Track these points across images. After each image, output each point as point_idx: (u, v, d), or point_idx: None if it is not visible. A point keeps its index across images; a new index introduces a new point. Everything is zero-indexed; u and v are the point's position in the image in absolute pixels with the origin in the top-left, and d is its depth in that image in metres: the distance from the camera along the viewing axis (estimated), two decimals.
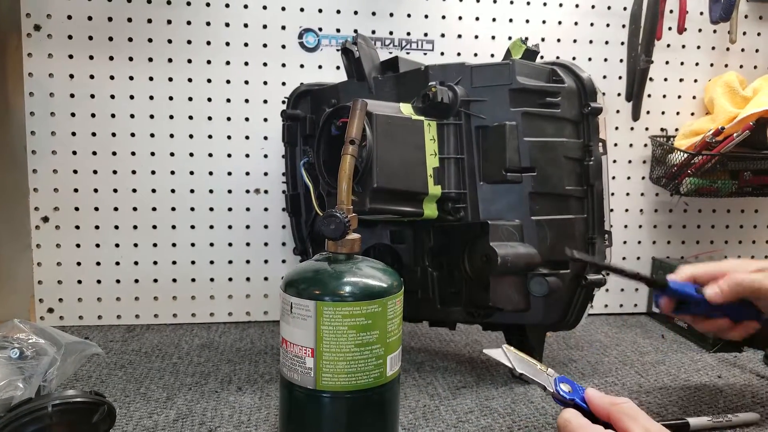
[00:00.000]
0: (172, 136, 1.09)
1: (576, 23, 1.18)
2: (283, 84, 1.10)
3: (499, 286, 0.80)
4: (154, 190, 1.09)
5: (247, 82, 1.10)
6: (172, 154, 1.09)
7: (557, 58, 1.11)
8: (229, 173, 1.11)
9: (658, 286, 0.71)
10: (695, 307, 0.72)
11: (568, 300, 0.85)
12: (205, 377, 0.88)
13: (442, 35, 1.15)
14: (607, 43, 1.19)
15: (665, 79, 1.22)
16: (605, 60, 1.20)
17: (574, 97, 0.85)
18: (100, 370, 0.90)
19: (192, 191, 1.10)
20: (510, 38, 1.16)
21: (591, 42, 1.19)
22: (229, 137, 1.10)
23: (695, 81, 1.23)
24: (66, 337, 0.78)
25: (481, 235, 0.81)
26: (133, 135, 1.08)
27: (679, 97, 1.23)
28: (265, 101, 1.11)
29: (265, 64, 1.10)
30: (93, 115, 1.06)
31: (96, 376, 0.87)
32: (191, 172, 1.10)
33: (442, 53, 1.15)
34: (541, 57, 0.94)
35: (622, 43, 1.17)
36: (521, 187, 0.81)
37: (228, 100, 1.10)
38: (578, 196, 0.85)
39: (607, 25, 1.19)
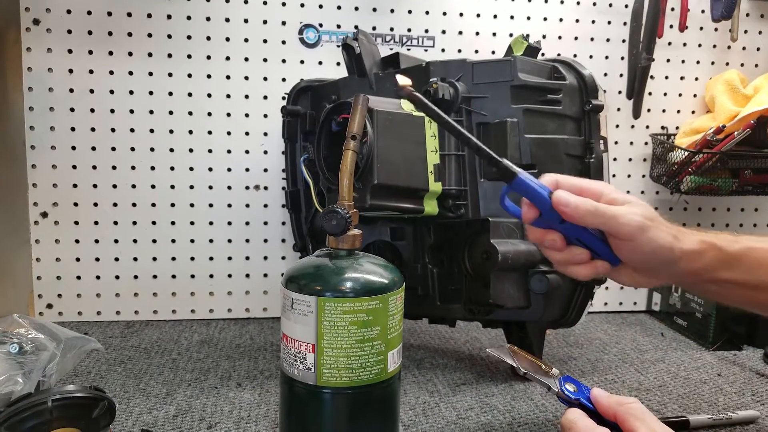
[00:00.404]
0: (171, 131, 1.09)
1: (577, 20, 1.18)
2: (283, 80, 1.10)
3: (499, 283, 0.80)
4: (153, 186, 1.09)
5: (247, 78, 1.10)
6: (171, 150, 1.09)
7: (558, 55, 1.11)
8: (229, 169, 1.11)
9: (506, 174, 0.58)
10: (549, 218, 0.58)
11: (569, 297, 0.85)
12: (204, 373, 0.88)
13: (443, 32, 1.14)
14: (608, 40, 1.19)
15: (666, 77, 1.22)
16: (606, 57, 1.19)
17: (576, 94, 0.85)
18: (100, 365, 0.89)
19: (191, 187, 1.10)
20: (511, 35, 1.16)
21: (592, 39, 1.19)
22: (228, 133, 1.10)
23: (696, 79, 1.23)
24: (66, 332, 0.78)
25: (481, 232, 0.81)
26: (132, 130, 1.07)
27: (680, 95, 1.23)
28: (265, 97, 1.10)
29: (265, 60, 1.10)
30: (92, 111, 1.06)
31: (95, 372, 0.87)
32: (191, 168, 1.10)
33: (443, 50, 1.15)
34: (542, 54, 0.94)
35: (624, 41, 1.17)
36: None
37: (228, 96, 1.09)
38: None
39: (609, 23, 1.19)
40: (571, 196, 0.57)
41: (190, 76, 1.08)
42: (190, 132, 1.09)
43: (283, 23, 1.10)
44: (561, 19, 1.17)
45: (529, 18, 1.16)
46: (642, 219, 0.56)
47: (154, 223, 1.10)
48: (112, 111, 1.07)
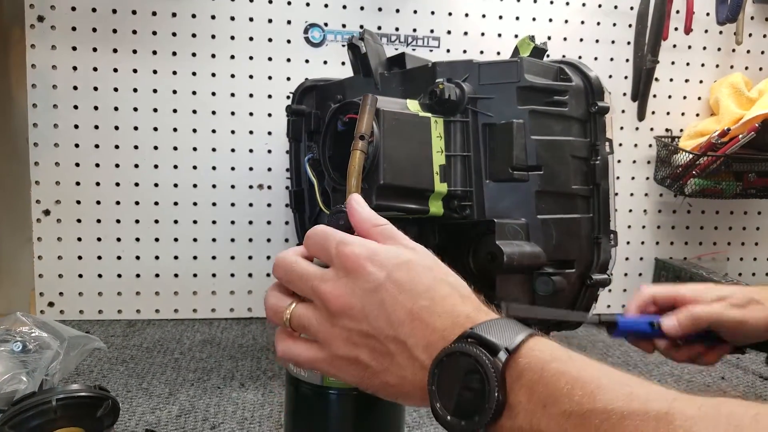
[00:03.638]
0: (175, 130, 1.08)
1: (582, 22, 1.18)
2: (288, 79, 1.10)
3: (504, 285, 0.80)
4: (156, 185, 1.09)
5: (251, 77, 1.09)
6: (175, 148, 1.09)
7: (563, 56, 1.11)
8: (233, 168, 1.11)
9: (609, 327, 0.66)
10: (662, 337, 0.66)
11: (573, 300, 0.85)
12: (207, 373, 0.87)
13: (449, 32, 1.14)
14: (613, 42, 1.19)
15: (671, 80, 1.22)
16: (611, 59, 1.19)
17: (582, 95, 0.85)
18: (102, 364, 0.89)
19: (195, 186, 1.10)
20: (516, 36, 1.16)
21: (597, 41, 1.19)
22: (232, 132, 1.10)
23: (701, 82, 1.23)
24: (68, 330, 0.78)
25: (486, 233, 0.81)
26: (136, 128, 1.07)
27: (685, 97, 1.23)
28: (270, 96, 1.10)
29: (270, 59, 1.10)
30: (96, 108, 1.06)
31: (98, 371, 0.87)
32: (194, 167, 1.09)
33: (448, 50, 1.14)
34: (547, 55, 0.94)
35: (629, 43, 1.17)
36: (528, 186, 0.81)
37: (232, 95, 1.09)
38: (584, 195, 0.84)
39: (614, 25, 1.19)
40: (678, 320, 0.63)
41: (194, 74, 1.08)
42: (194, 130, 1.09)
43: (289, 22, 1.10)
44: (566, 21, 1.17)
45: (534, 19, 1.16)
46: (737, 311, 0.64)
47: (156, 221, 1.10)
48: (116, 109, 1.06)
